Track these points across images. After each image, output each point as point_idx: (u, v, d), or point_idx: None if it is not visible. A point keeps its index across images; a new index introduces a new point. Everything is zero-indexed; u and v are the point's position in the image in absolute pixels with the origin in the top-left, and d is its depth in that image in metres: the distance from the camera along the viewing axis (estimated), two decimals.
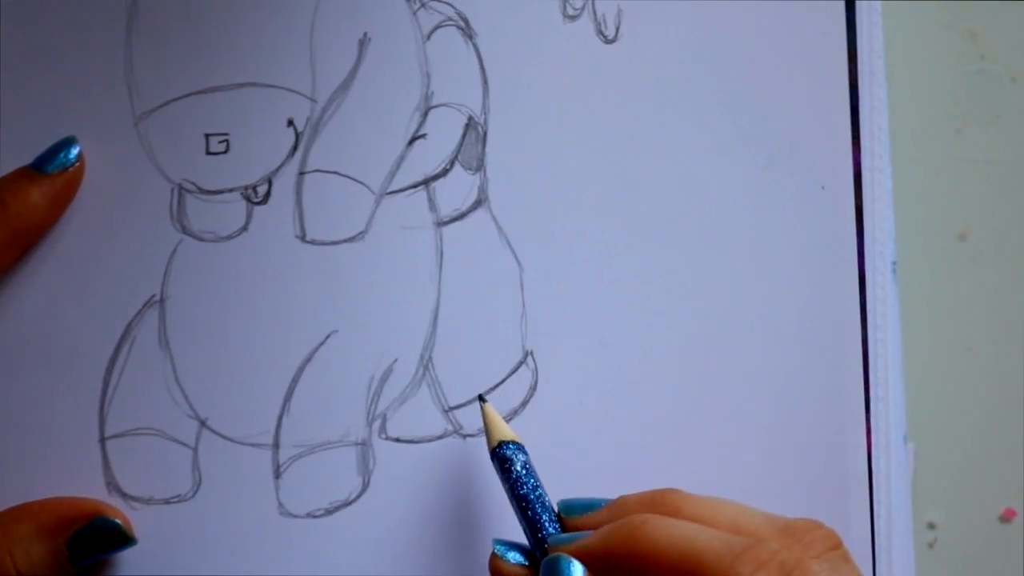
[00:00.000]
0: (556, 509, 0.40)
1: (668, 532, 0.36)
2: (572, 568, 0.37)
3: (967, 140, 0.50)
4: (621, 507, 0.39)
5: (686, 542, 0.35)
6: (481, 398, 0.42)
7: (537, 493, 0.40)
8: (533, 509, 0.40)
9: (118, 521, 0.41)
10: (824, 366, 0.45)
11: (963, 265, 0.50)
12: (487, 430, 0.41)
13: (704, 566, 0.34)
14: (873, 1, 0.46)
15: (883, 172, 0.46)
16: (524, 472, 0.40)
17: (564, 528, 0.40)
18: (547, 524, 0.39)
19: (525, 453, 0.41)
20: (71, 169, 0.42)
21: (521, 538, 0.40)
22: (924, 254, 0.50)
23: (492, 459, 0.41)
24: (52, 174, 0.42)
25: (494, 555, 0.40)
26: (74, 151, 0.42)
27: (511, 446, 0.41)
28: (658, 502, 0.38)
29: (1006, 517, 0.49)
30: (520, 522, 0.40)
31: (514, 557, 0.39)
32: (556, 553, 0.37)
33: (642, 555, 0.36)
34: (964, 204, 0.50)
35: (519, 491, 0.40)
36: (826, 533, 0.37)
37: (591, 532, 0.38)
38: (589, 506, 0.40)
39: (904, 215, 0.48)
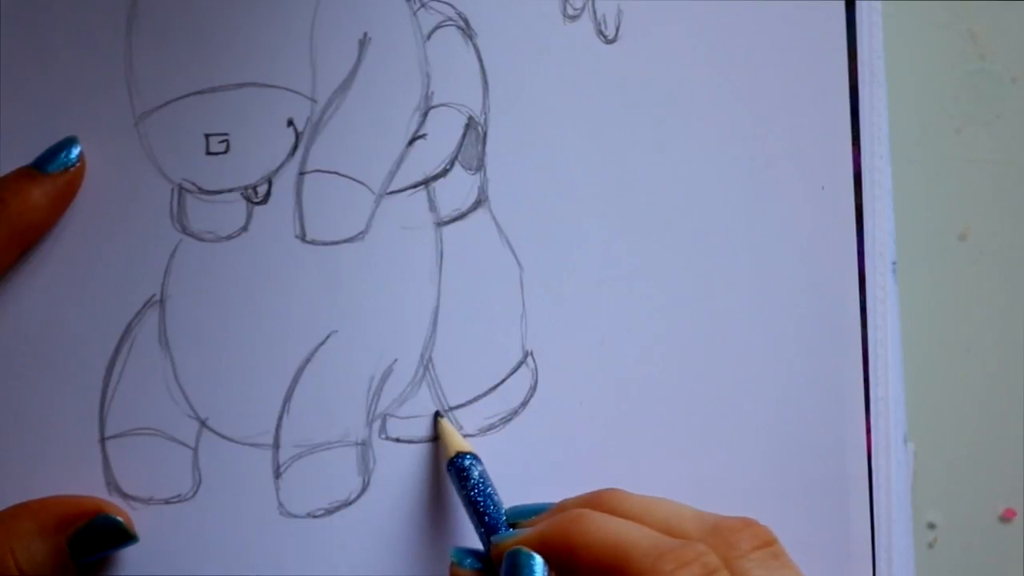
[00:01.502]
0: None
1: (600, 526, 0.37)
2: (533, 561, 0.37)
3: (967, 140, 0.50)
4: (561, 508, 0.40)
5: (616, 537, 0.36)
6: (438, 414, 0.43)
7: (493, 500, 0.41)
8: (489, 514, 0.40)
9: (120, 519, 0.41)
10: (824, 366, 0.45)
11: (963, 265, 0.50)
12: (443, 443, 0.42)
13: (630, 562, 0.35)
14: (873, 1, 0.46)
15: (883, 172, 0.46)
16: (481, 481, 0.41)
17: None
18: (502, 529, 0.40)
19: (481, 463, 0.42)
20: (72, 169, 0.42)
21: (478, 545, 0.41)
22: (924, 254, 0.50)
23: (448, 470, 0.42)
24: (53, 174, 0.42)
25: (451, 562, 0.40)
26: (75, 151, 0.42)
27: (467, 456, 0.42)
28: (596, 501, 0.39)
29: (1006, 517, 0.49)
30: (476, 528, 0.41)
31: (471, 563, 0.40)
32: (515, 547, 0.38)
33: (575, 547, 0.36)
34: (964, 204, 0.50)
35: (475, 498, 0.41)
36: (755, 531, 0.37)
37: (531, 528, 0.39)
38: (535, 510, 0.40)
39: (904, 215, 0.48)
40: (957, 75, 0.51)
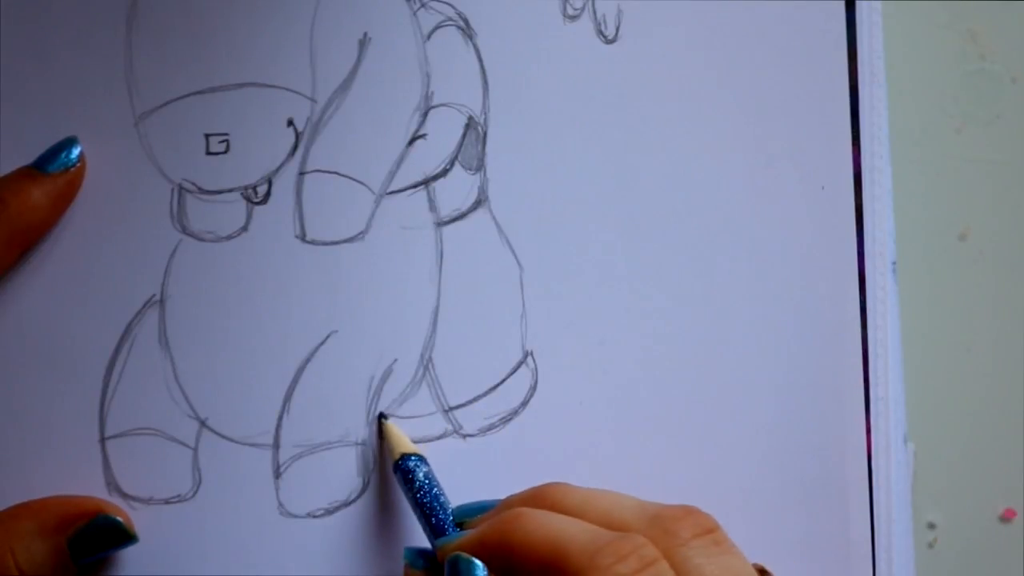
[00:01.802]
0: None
1: (538, 524, 0.36)
2: (473, 566, 0.37)
3: (967, 140, 0.50)
4: (506, 506, 0.39)
5: (554, 534, 0.36)
6: (382, 415, 0.43)
7: (440, 501, 0.41)
8: (436, 515, 0.40)
9: (119, 519, 0.41)
10: (824, 366, 0.45)
11: (963, 265, 0.50)
12: (389, 445, 0.42)
13: (569, 559, 0.35)
14: (873, 1, 0.46)
15: (883, 172, 0.46)
16: (427, 482, 0.41)
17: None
18: (449, 529, 0.40)
19: (427, 464, 0.42)
20: (72, 169, 0.42)
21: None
22: (924, 254, 0.50)
23: (395, 472, 0.42)
24: (53, 174, 0.42)
25: (404, 563, 0.40)
26: (75, 151, 0.42)
27: (413, 458, 0.42)
28: (539, 497, 0.39)
29: (1006, 517, 0.49)
30: (424, 529, 0.41)
31: (422, 564, 0.40)
32: (453, 552, 0.38)
33: (514, 547, 0.36)
34: (964, 204, 0.50)
35: (422, 500, 0.41)
36: (696, 519, 0.37)
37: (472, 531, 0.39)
38: (481, 508, 0.40)
39: (904, 215, 0.48)
40: (957, 75, 0.51)
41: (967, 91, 0.51)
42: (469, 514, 0.40)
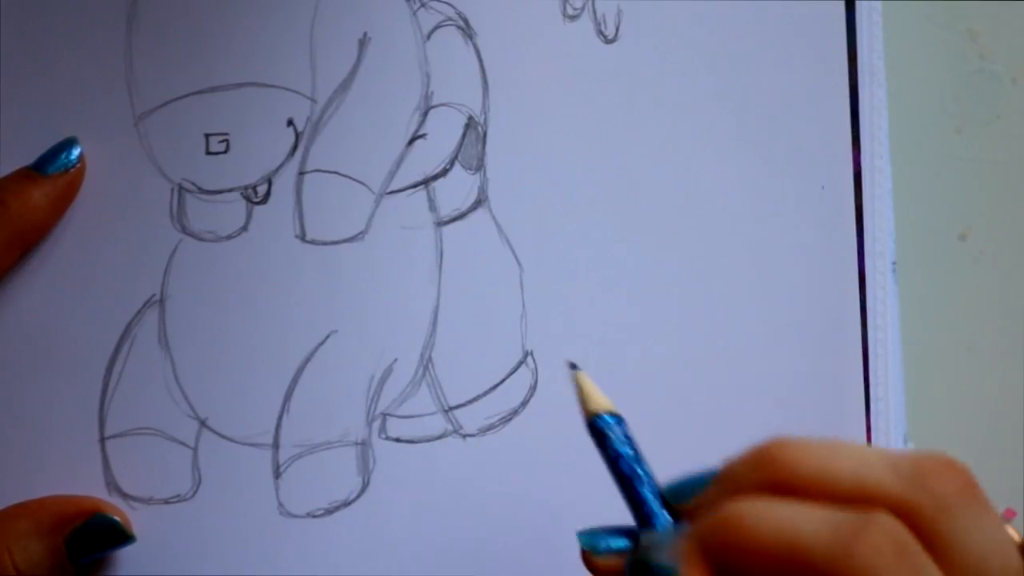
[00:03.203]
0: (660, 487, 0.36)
1: (769, 526, 0.31)
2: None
3: (967, 140, 0.50)
4: (729, 481, 0.34)
5: (789, 534, 0.31)
6: (573, 365, 0.38)
7: (641, 467, 0.36)
8: (635, 486, 0.35)
9: (117, 519, 0.41)
10: (824, 366, 0.45)
11: (963, 265, 0.50)
12: (580, 399, 0.37)
13: (813, 558, 0.30)
14: (873, 1, 0.46)
15: (883, 172, 0.46)
16: (623, 448, 0.36)
17: (672, 513, 0.35)
18: (653, 506, 0.35)
19: (624, 425, 0.37)
20: (72, 170, 0.42)
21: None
22: (924, 254, 0.50)
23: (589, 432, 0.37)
24: (53, 175, 0.42)
25: (586, 550, 0.35)
26: (75, 152, 0.42)
27: (606, 417, 0.37)
28: (767, 464, 0.33)
29: (1006, 517, 0.49)
30: (625, 500, 0.36)
31: (611, 547, 0.35)
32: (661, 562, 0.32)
33: (742, 553, 0.31)
34: (964, 204, 0.50)
35: (621, 468, 0.36)
36: (956, 474, 0.32)
37: (685, 530, 0.33)
38: (694, 484, 0.35)
39: (904, 215, 0.48)
40: (957, 75, 0.51)
41: (967, 91, 0.50)
42: (682, 494, 0.35)
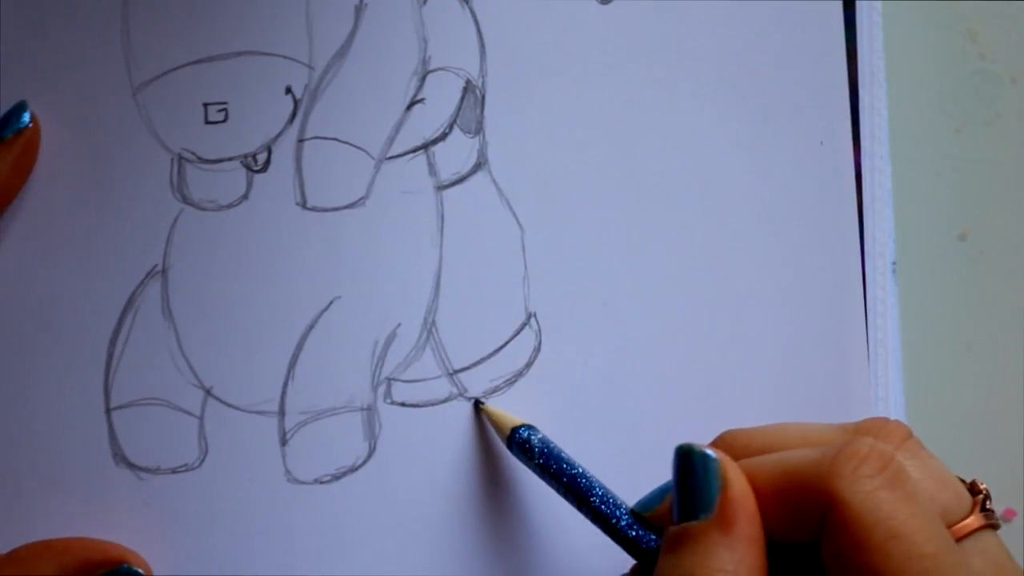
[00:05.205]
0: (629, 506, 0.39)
1: (761, 470, 0.34)
2: (708, 458, 0.34)
3: (966, 140, 0.50)
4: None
5: (779, 468, 0.34)
6: (478, 401, 0.43)
7: (567, 460, 0.40)
8: (568, 476, 0.39)
9: (142, 572, 0.40)
10: (824, 366, 0.45)
11: (963, 265, 0.50)
12: (495, 426, 0.42)
13: (807, 481, 0.33)
14: (873, 1, 0.46)
15: (883, 172, 0.46)
16: (545, 447, 0.40)
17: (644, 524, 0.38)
18: (595, 487, 0.39)
19: (539, 431, 0.41)
20: (26, 131, 0.42)
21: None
22: (924, 254, 0.50)
23: (511, 449, 0.41)
24: (9, 139, 0.42)
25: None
26: (26, 115, 0.42)
27: (523, 429, 0.41)
28: (724, 447, 0.37)
29: (1006, 517, 0.49)
30: (567, 497, 0.39)
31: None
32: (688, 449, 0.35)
33: (754, 486, 0.34)
34: (964, 204, 0.50)
35: (547, 466, 0.40)
36: (896, 425, 0.36)
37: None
38: (662, 493, 0.38)
39: (904, 215, 0.48)
40: (957, 75, 0.51)
41: (967, 91, 0.51)
42: (650, 505, 0.38)
